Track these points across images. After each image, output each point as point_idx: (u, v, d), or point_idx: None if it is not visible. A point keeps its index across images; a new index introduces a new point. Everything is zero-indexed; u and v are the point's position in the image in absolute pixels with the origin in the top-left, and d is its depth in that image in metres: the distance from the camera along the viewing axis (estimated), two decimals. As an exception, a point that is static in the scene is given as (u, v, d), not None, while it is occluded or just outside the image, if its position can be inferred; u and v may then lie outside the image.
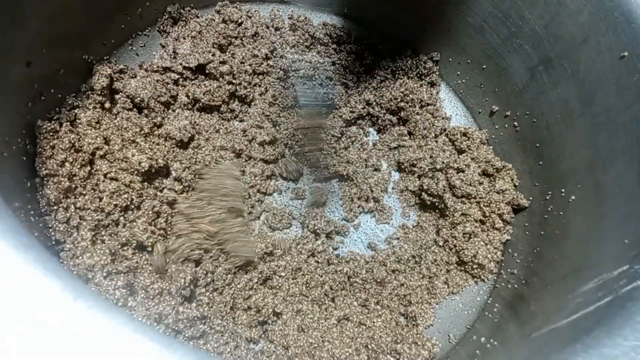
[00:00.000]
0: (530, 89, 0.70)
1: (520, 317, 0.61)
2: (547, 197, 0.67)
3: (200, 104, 0.74)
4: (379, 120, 0.81)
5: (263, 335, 0.62)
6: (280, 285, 0.65)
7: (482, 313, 0.69)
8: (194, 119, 0.73)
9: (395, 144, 0.80)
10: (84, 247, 0.56)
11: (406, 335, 0.64)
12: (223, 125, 0.75)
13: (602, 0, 0.58)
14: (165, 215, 0.64)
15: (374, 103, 0.80)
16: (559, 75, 0.65)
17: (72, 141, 0.59)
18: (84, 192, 0.59)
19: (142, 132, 0.67)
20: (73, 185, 0.58)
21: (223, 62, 0.75)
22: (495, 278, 0.72)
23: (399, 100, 0.78)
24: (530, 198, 0.71)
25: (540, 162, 0.70)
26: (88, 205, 0.58)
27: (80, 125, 0.62)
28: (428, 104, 0.80)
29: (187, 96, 0.74)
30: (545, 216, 0.67)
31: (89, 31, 0.67)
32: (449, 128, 0.80)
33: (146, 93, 0.69)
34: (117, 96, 0.68)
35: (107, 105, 0.67)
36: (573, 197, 0.63)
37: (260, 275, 0.65)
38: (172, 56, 0.75)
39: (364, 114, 0.80)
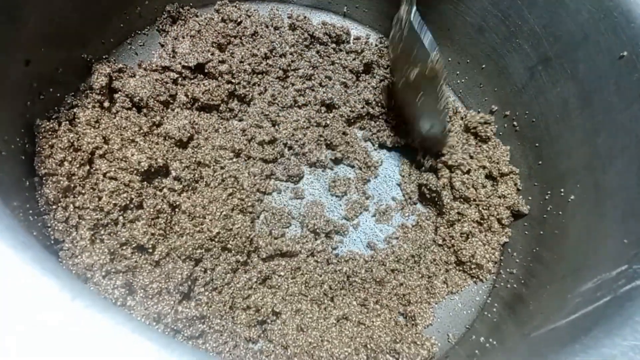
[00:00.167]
0: (529, 88, 0.70)
1: (519, 317, 0.61)
2: (547, 197, 0.68)
3: (200, 103, 0.74)
4: (391, 116, 0.81)
5: (262, 335, 0.62)
6: (279, 284, 0.65)
7: (481, 313, 0.69)
8: (193, 118, 0.73)
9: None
10: (82, 247, 0.55)
11: (405, 334, 0.64)
12: (222, 125, 0.75)
13: (602, 0, 0.58)
14: (165, 215, 0.64)
15: (374, 102, 0.80)
16: (558, 75, 0.65)
17: (71, 140, 0.59)
18: (83, 192, 0.59)
19: (141, 131, 0.67)
20: (72, 185, 0.58)
21: (222, 62, 0.75)
22: (494, 278, 0.72)
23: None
24: (530, 198, 0.71)
25: (540, 162, 0.70)
26: (87, 204, 0.58)
27: (79, 125, 0.62)
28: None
29: (186, 95, 0.73)
30: (545, 216, 0.67)
31: (88, 30, 0.67)
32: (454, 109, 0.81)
33: (145, 92, 0.68)
34: (116, 95, 0.68)
35: (106, 104, 0.67)
36: (572, 197, 0.63)
37: (259, 275, 0.65)
38: (171, 55, 0.75)
39: (364, 114, 0.80)
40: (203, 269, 0.62)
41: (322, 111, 0.79)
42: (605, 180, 0.58)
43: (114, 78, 0.69)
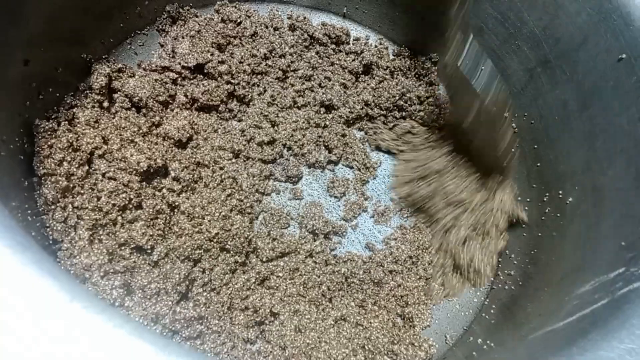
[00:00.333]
0: (528, 90, 0.70)
1: (517, 319, 0.61)
2: (545, 199, 0.68)
3: (199, 104, 0.74)
4: (389, 119, 0.81)
5: (260, 336, 0.62)
6: (277, 285, 0.65)
7: (478, 314, 0.69)
8: (193, 118, 0.73)
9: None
10: (81, 247, 0.55)
11: (403, 336, 0.64)
12: (221, 125, 0.75)
13: (601, 3, 0.58)
14: (164, 215, 0.64)
15: (373, 104, 0.80)
16: (557, 77, 0.65)
17: (70, 140, 0.59)
18: (82, 192, 0.59)
19: (141, 131, 0.67)
20: (71, 185, 0.58)
21: (222, 62, 0.75)
22: (492, 280, 0.72)
23: (397, 98, 0.79)
24: (528, 200, 0.72)
25: (538, 164, 0.70)
26: (86, 204, 0.58)
27: (78, 125, 0.62)
28: (427, 97, 0.80)
29: (186, 96, 0.73)
30: (543, 218, 0.67)
31: (88, 30, 0.67)
32: None
33: (145, 92, 0.68)
34: (115, 95, 0.68)
35: (106, 104, 0.67)
36: (570, 199, 0.63)
37: (257, 276, 0.65)
38: (170, 55, 0.75)
39: (363, 115, 0.80)
40: (201, 270, 0.62)
41: (322, 112, 0.79)
42: (604, 183, 0.58)
43: (113, 78, 0.69)
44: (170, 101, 0.73)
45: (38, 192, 0.56)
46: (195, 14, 0.80)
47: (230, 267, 0.63)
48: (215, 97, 0.74)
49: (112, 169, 0.61)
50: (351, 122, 0.81)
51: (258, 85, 0.78)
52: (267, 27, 0.81)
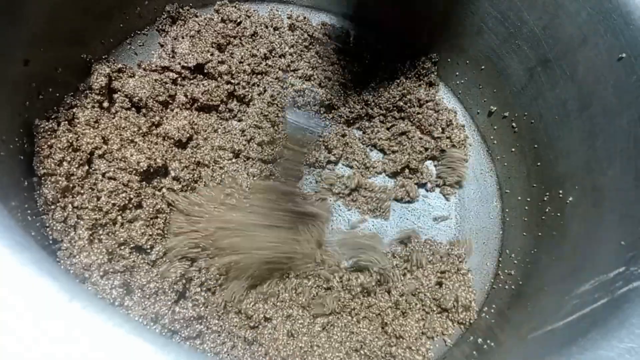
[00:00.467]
0: (528, 90, 0.70)
1: (517, 319, 0.61)
2: (545, 199, 0.68)
3: (199, 104, 0.74)
4: (387, 119, 0.80)
5: (256, 338, 0.62)
6: (271, 290, 0.65)
7: (478, 314, 0.69)
8: (193, 118, 0.73)
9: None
10: (81, 246, 0.56)
11: (398, 340, 0.64)
12: (221, 125, 0.75)
13: (601, 2, 0.58)
14: (164, 215, 0.64)
15: (373, 104, 0.80)
16: (557, 77, 0.65)
17: (70, 140, 0.59)
18: (82, 192, 0.59)
19: (141, 131, 0.67)
20: (71, 185, 0.58)
21: (222, 62, 0.75)
22: (492, 280, 0.72)
23: (397, 99, 0.79)
24: (528, 199, 0.72)
25: (538, 164, 0.70)
26: (86, 204, 0.58)
27: (78, 125, 0.62)
28: (427, 101, 0.80)
29: (186, 96, 0.73)
30: (543, 217, 0.67)
31: (88, 30, 0.67)
32: (455, 121, 0.80)
33: (144, 92, 0.68)
34: (115, 95, 0.68)
35: (106, 104, 0.67)
36: (570, 199, 0.63)
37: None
38: (170, 55, 0.75)
39: (363, 115, 0.80)
40: (197, 269, 0.62)
41: (322, 112, 0.79)
42: (604, 182, 0.58)
43: (113, 78, 0.69)
44: (170, 101, 0.73)
45: (38, 192, 0.56)
46: (195, 14, 0.80)
47: (227, 267, 0.63)
48: (215, 97, 0.74)
49: (112, 169, 0.61)
50: (351, 122, 0.81)
51: (258, 85, 0.78)
52: (267, 27, 0.81)
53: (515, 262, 0.70)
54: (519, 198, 0.74)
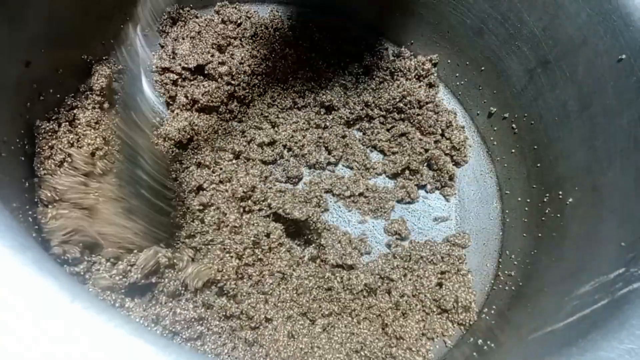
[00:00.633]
0: (528, 91, 0.70)
1: (517, 320, 0.61)
2: (545, 200, 0.68)
3: (199, 105, 0.74)
4: (388, 120, 0.81)
5: (257, 339, 0.62)
6: (271, 291, 0.65)
7: (478, 315, 0.69)
8: (193, 119, 0.73)
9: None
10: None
11: (399, 341, 0.64)
12: (222, 126, 0.75)
13: (601, 3, 0.58)
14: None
15: (373, 105, 0.80)
16: (557, 78, 0.65)
17: (71, 141, 0.59)
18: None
19: (141, 132, 0.67)
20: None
21: (222, 63, 0.75)
22: (492, 281, 0.72)
23: (397, 100, 0.79)
24: (528, 200, 0.72)
25: (538, 164, 0.70)
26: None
27: (79, 126, 0.62)
28: (427, 102, 0.80)
29: (186, 97, 0.74)
30: (543, 218, 0.67)
31: (88, 31, 0.67)
32: (455, 122, 0.80)
33: (145, 93, 0.69)
34: (115, 96, 0.68)
35: (106, 105, 0.67)
36: (570, 200, 0.63)
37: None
38: (171, 56, 0.76)
39: (363, 116, 0.81)
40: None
41: (322, 113, 0.79)
42: (604, 183, 0.58)
43: (113, 79, 0.69)
44: (171, 102, 0.73)
45: (39, 192, 0.56)
46: (196, 15, 0.80)
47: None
48: (216, 98, 0.74)
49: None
50: (351, 123, 0.81)
51: (258, 87, 0.78)
52: (267, 28, 0.81)
53: (515, 263, 0.70)
54: (519, 199, 0.74)
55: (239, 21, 0.80)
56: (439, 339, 0.66)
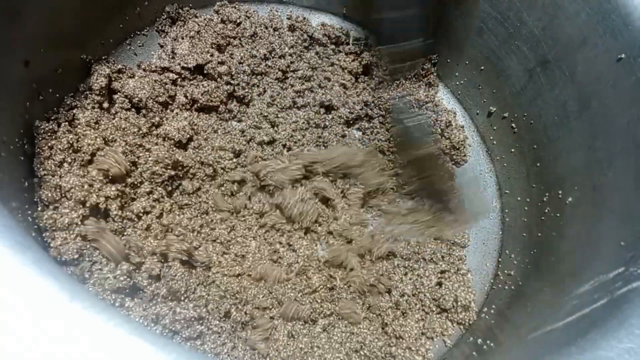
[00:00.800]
0: (528, 90, 0.70)
1: (516, 319, 0.61)
2: (544, 199, 0.68)
3: (199, 104, 0.74)
4: (387, 120, 0.81)
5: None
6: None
7: (478, 314, 0.69)
8: (193, 119, 0.73)
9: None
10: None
11: (398, 340, 0.64)
12: (221, 126, 0.75)
13: (600, 3, 0.58)
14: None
15: (372, 104, 0.80)
16: (556, 77, 0.65)
17: (71, 141, 0.59)
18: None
19: (140, 132, 0.67)
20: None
21: (221, 63, 0.75)
22: (491, 280, 0.72)
23: (396, 100, 0.79)
24: (527, 200, 0.72)
25: (538, 164, 0.70)
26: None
27: (78, 126, 0.62)
28: (426, 102, 0.80)
29: (186, 96, 0.74)
30: (542, 218, 0.67)
31: (87, 31, 0.67)
32: (454, 122, 0.80)
33: (144, 93, 0.69)
34: (115, 96, 0.68)
35: (106, 105, 0.67)
36: (570, 199, 0.63)
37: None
38: (170, 56, 0.76)
39: (362, 115, 0.81)
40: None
41: (321, 112, 0.79)
42: (603, 183, 0.58)
43: (113, 79, 0.69)
44: (170, 102, 0.73)
45: (38, 193, 0.56)
46: (195, 14, 0.80)
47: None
48: (215, 98, 0.74)
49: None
50: (351, 122, 0.81)
51: (258, 86, 0.78)
52: (266, 28, 0.81)
53: (515, 262, 0.70)
54: (519, 198, 0.74)
55: (238, 21, 0.80)
56: (439, 338, 0.66)
